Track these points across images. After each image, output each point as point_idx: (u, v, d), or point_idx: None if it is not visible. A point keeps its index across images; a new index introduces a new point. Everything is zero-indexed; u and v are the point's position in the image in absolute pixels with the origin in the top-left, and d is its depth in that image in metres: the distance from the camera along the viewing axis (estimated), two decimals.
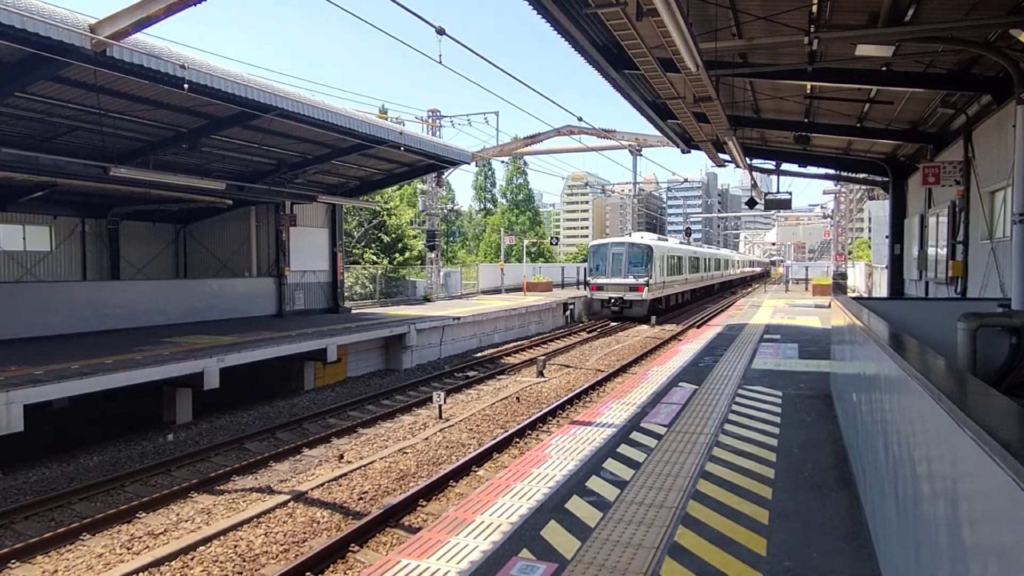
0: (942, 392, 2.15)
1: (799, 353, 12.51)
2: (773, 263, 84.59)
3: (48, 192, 15.40)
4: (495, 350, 21.08)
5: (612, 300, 28.15)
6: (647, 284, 27.66)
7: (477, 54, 9.93)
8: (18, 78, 10.43)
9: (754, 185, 24.74)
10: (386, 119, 22.59)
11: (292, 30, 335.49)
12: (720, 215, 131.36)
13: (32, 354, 11.56)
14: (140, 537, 7.22)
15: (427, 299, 27.89)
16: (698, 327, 25.55)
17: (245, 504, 8.19)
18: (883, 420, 3.72)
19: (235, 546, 6.98)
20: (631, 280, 27.92)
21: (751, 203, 25.34)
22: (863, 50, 8.53)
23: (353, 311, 22.39)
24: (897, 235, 17.67)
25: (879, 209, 32.88)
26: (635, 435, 6.95)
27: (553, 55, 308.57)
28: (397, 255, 33.72)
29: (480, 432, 11.52)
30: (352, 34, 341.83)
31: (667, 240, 37.79)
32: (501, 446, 10.44)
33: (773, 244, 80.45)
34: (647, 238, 31.87)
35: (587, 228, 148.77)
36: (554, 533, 4.50)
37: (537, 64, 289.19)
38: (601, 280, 28.57)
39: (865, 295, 32.37)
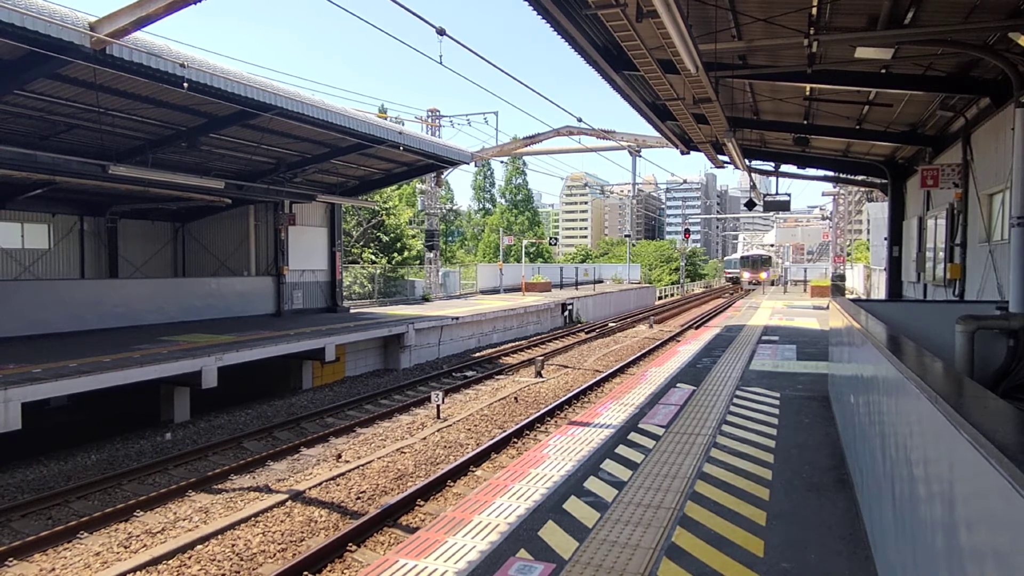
0: (939, 395, 2.16)
1: (797, 355, 12.52)
2: (752, 261, 62.91)
3: (47, 190, 15.38)
4: (493, 350, 21.09)
5: (733, 277, 65.71)
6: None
7: (477, 54, 9.94)
8: (17, 76, 10.42)
9: (753, 187, 24.77)
10: (385, 119, 22.56)
11: (293, 29, 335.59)
12: (719, 216, 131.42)
13: (30, 352, 11.55)
14: (138, 536, 7.22)
15: (426, 299, 27.89)
16: (696, 328, 25.58)
17: (243, 503, 8.19)
18: (881, 422, 3.73)
19: (233, 545, 6.97)
20: (737, 270, 64.63)
21: (750, 205, 25.34)
22: (862, 52, 8.54)
23: (351, 310, 22.37)
24: (895, 237, 17.69)
25: (878, 211, 32.93)
26: (633, 436, 6.96)
27: (553, 56, 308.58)
28: (396, 255, 33.70)
29: (478, 432, 11.52)
30: (353, 34, 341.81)
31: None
32: (499, 446, 10.44)
33: (772, 245, 79.58)
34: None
35: (586, 229, 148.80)
36: (552, 533, 4.51)
37: (537, 65, 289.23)
38: (729, 270, 69.09)
39: (863, 297, 32.41)
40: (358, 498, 8.38)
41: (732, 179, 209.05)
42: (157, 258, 21.18)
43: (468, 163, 23.84)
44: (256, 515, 7.74)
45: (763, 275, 60.53)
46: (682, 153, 17.89)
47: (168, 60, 10.43)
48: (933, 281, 14.15)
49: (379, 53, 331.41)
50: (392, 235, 34.46)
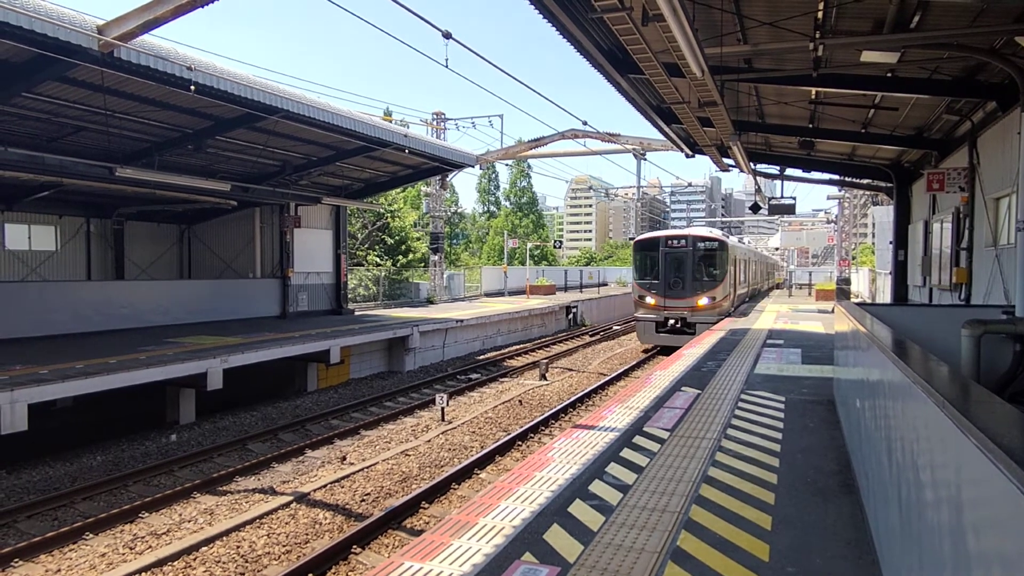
0: (946, 399, 2.16)
1: (802, 358, 12.48)
2: (671, 261, 21.34)
3: (54, 192, 15.47)
4: (498, 353, 21.09)
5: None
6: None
7: (483, 58, 9.95)
8: (25, 78, 10.50)
9: (758, 190, 24.73)
10: (391, 121, 22.63)
11: (299, 32, 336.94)
12: (723, 219, 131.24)
13: (36, 353, 11.60)
14: (143, 537, 7.24)
15: (430, 301, 27.92)
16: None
17: (247, 505, 8.21)
18: (886, 426, 3.72)
19: (237, 547, 6.99)
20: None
21: (755, 208, 25.27)
22: (868, 56, 8.53)
23: (356, 313, 22.42)
24: (901, 241, 17.63)
25: (883, 215, 32.86)
26: (638, 439, 6.95)
27: (558, 60, 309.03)
28: (400, 257, 33.76)
29: (482, 435, 11.53)
30: (359, 37, 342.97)
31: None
32: (503, 449, 10.45)
33: (777, 249, 79.37)
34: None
35: (591, 231, 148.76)
36: (557, 536, 4.50)
37: (542, 69, 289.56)
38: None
39: (869, 301, 32.30)
40: (363, 500, 8.39)
41: (737, 182, 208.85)
42: (163, 260, 21.27)
43: (473, 166, 23.89)
44: (261, 517, 7.75)
45: (702, 300, 21.17)
46: (687, 156, 17.89)
47: (175, 63, 10.49)
48: (939, 285, 14.10)
49: (385, 56, 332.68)
50: (397, 237, 34.53)
